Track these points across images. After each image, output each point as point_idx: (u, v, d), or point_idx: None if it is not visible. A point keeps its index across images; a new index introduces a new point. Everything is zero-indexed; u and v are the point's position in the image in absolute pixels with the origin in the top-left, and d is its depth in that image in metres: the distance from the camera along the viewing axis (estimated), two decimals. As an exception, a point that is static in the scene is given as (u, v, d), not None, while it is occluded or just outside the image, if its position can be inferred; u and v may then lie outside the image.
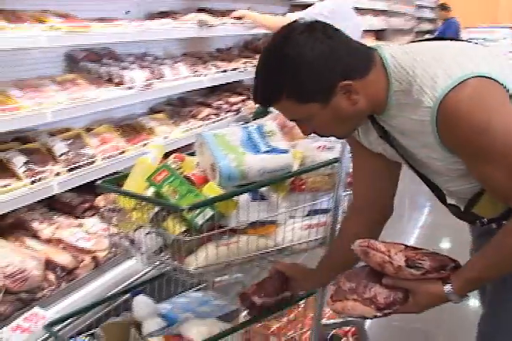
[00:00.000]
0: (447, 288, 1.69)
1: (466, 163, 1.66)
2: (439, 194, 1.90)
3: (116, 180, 2.28)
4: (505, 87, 1.58)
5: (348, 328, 2.81)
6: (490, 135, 1.55)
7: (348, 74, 1.62)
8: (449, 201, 1.91)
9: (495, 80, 1.57)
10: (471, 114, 1.54)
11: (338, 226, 2.30)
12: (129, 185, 2.22)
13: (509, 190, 1.62)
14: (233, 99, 5.05)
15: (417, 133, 1.66)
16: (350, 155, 2.08)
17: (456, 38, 1.81)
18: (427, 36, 10.64)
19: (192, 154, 2.34)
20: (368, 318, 1.80)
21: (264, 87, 1.69)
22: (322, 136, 1.84)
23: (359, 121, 1.76)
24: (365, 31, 6.49)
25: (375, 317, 1.76)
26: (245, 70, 4.96)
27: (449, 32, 11.36)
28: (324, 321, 2.45)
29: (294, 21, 1.67)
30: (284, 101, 1.65)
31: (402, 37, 10.26)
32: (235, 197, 2.05)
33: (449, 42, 1.75)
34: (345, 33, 1.68)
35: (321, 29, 1.63)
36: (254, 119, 2.46)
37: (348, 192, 2.30)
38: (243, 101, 5.14)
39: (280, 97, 1.65)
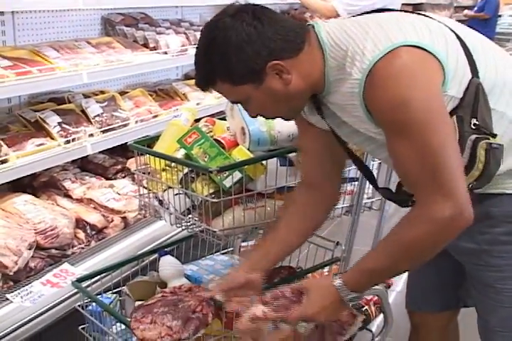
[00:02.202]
0: (336, 280, 1.68)
1: (386, 138, 1.62)
2: (370, 177, 1.91)
3: (148, 142, 2.31)
4: (435, 57, 1.55)
5: (370, 297, 2.82)
6: (410, 110, 1.52)
7: (277, 54, 1.61)
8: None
9: (425, 50, 1.54)
10: (395, 86, 1.52)
11: (365, 195, 2.32)
12: (159, 147, 2.25)
13: (416, 176, 1.58)
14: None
15: (350, 106, 1.64)
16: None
17: (397, 9, 1.77)
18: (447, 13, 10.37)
19: (223, 119, 2.36)
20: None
21: (198, 71, 1.71)
22: (268, 119, 1.87)
23: (301, 101, 1.73)
24: (403, 4, 6.38)
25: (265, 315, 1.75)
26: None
27: (488, 7, 11.11)
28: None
29: (230, 5, 1.68)
30: (220, 84, 1.67)
31: (440, 12, 10.04)
32: (264, 162, 2.08)
33: (385, 13, 1.72)
34: (278, 13, 1.68)
35: (249, 11, 1.62)
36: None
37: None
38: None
39: (214, 81, 1.67)
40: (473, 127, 1.61)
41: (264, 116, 1.80)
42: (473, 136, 1.61)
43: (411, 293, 2.38)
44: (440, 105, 1.56)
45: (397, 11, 1.77)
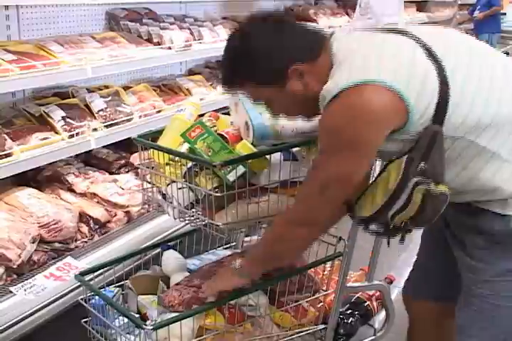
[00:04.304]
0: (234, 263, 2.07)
1: None
2: None
3: (152, 136, 2.32)
4: (403, 100, 1.62)
5: (372, 292, 2.84)
6: (334, 140, 1.69)
7: (298, 59, 1.77)
8: None
9: (394, 89, 1.61)
10: (340, 116, 1.65)
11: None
12: (163, 141, 2.26)
13: (301, 189, 1.95)
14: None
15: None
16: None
17: (404, 30, 1.81)
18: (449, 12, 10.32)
19: (227, 114, 2.37)
20: None
21: (224, 73, 1.88)
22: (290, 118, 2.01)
23: (317, 103, 1.80)
24: (407, 2, 6.40)
25: None
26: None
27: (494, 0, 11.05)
28: (349, 284, 2.48)
29: (255, 12, 1.87)
30: (243, 86, 1.85)
31: (444, 9, 10.00)
32: (267, 156, 2.08)
33: (381, 36, 1.80)
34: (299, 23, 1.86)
35: (273, 18, 1.82)
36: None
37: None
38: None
39: (238, 83, 1.85)
40: (419, 170, 1.67)
41: (286, 116, 1.95)
42: (415, 179, 1.67)
43: (409, 279, 2.44)
44: (365, 150, 1.69)
45: (399, 32, 1.81)
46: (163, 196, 2.25)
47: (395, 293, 2.96)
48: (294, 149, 2.17)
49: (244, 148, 2.07)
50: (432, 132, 1.67)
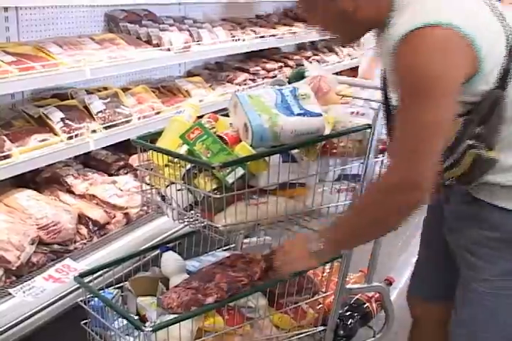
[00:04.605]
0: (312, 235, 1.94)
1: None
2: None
3: (151, 137, 2.32)
4: (474, 46, 1.59)
5: (371, 294, 2.83)
6: (422, 79, 1.58)
7: None
8: None
9: (468, 36, 1.58)
10: (421, 54, 1.57)
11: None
12: (162, 142, 2.26)
13: (395, 142, 1.73)
14: (270, 66, 5.05)
15: (386, 57, 1.71)
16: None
17: None
18: None
19: (226, 115, 2.37)
20: None
21: None
22: (325, 36, 1.92)
23: (361, 29, 1.79)
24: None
25: None
26: (284, 37, 4.95)
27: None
28: (349, 286, 2.48)
29: None
30: None
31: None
32: (266, 158, 2.08)
33: None
34: None
35: None
36: (290, 83, 2.47)
37: (379, 159, 2.31)
38: (280, 67, 5.14)
39: None
40: (475, 133, 1.66)
41: (321, 32, 1.87)
42: (469, 142, 1.66)
43: (413, 279, 2.46)
44: (451, 88, 1.60)
45: None
46: (162, 198, 2.25)
47: (395, 294, 2.96)
48: (293, 151, 2.17)
49: (243, 149, 2.07)
50: (494, 97, 1.65)
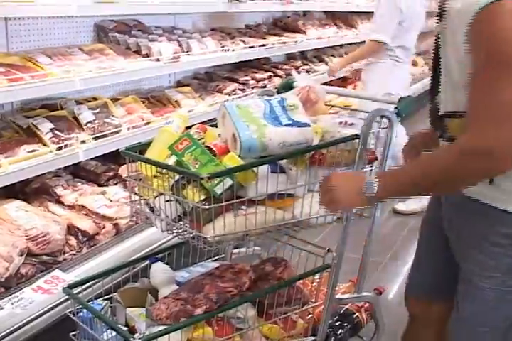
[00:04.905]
0: (367, 177, 1.83)
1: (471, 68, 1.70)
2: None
3: (140, 148, 2.32)
4: None
5: (361, 304, 2.83)
6: (507, 46, 1.60)
7: None
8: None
9: None
10: (506, 22, 1.60)
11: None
12: (151, 153, 2.26)
13: (476, 107, 1.68)
14: (260, 76, 5.07)
15: (457, 21, 1.72)
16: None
17: None
18: None
19: (215, 126, 2.37)
20: None
21: None
22: None
23: None
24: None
25: None
26: (273, 47, 4.96)
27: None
28: (338, 295, 2.48)
29: None
30: None
31: None
32: (255, 168, 2.08)
33: None
34: None
35: None
36: (278, 93, 2.48)
37: (368, 169, 2.32)
38: (270, 77, 5.15)
39: None
40: None
41: None
42: None
43: (411, 278, 2.46)
44: None
45: None
46: (151, 209, 2.25)
47: (384, 303, 2.96)
48: (282, 161, 2.17)
49: (231, 160, 2.07)
50: None
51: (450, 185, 1.79)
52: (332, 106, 2.58)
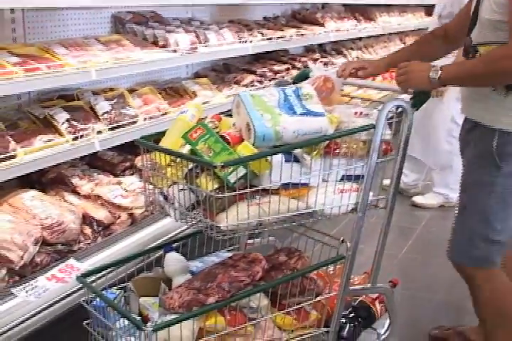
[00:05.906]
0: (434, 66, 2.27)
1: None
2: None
3: (155, 138, 2.32)
4: None
5: (375, 296, 2.82)
6: None
7: None
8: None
9: None
10: None
11: (371, 193, 2.30)
12: (165, 142, 2.26)
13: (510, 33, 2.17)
14: (277, 67, 5.05)
15: None
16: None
17: None
18: None
19: (230, 115, 2.36)
20: None
21: None
22: None
23: None
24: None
25: None
26: (291, 39, 4.94)
27: None
28: (352, 287, 2.47)
29: None
30: None
31: None
32: (269, 158, 2.07)
33: None
34: None
35: None
36: (294, 83, 2.46)
37: (382, 160, 2.30)
38: (287, 69, 5.13)
39: None
40: None
41: None
42: None
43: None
44: None
45: None
46: (165, 197, 2.25)
47: (398, 295, 2.94)
48: (296, 151, 2.16)
49: (245, 149, 2.06)
50: None
51: (494, 78, 2.26)
52: (352, 97, 2.57)
